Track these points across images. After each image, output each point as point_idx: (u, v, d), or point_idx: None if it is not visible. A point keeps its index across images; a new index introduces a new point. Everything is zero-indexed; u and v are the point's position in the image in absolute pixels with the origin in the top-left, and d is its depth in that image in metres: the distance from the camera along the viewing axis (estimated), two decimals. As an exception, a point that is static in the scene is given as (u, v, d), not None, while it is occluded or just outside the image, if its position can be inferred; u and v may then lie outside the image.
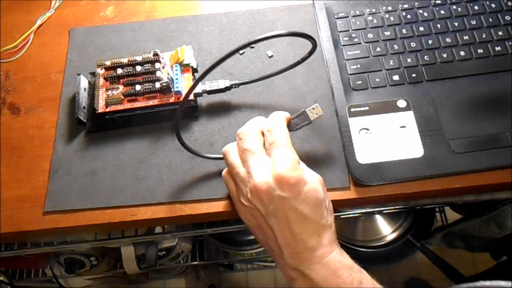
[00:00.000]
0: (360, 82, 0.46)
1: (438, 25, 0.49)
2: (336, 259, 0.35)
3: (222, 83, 0.46)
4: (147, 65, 0.46)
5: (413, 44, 0.48)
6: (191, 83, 0.46)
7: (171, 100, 0.45)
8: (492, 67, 0.46)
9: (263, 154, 0.36)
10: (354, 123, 0.43)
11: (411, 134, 0.43)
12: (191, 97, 0.45)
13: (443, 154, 0.42)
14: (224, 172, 0.40)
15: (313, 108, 0.40)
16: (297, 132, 0.42)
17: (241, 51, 0.50)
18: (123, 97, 0.45)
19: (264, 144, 0.37)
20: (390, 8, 0.51)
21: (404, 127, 0.43)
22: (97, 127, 0.47)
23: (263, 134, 0.38)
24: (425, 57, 0.47)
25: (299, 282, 0.35)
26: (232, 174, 0.38)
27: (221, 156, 0.40)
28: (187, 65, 0.46)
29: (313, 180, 0.36)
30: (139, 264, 0.73)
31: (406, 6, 0.50)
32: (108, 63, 0.46)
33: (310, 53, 0.42)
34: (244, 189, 0.36)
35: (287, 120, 0.39)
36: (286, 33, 0.37)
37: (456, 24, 0.49)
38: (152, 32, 0.53)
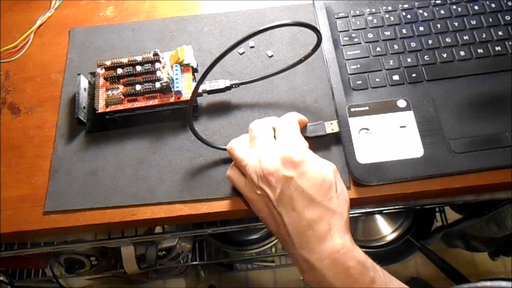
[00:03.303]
0: (360, 82, 0.46)
1: (438, 25, 0.49)
2: (349, 256, 0.33)
3: (222, 83, 0.46)
4: (147, 65, 0.46)
5: (413, 44, 0.48)
6: (191, 83, 0.46)
7: (171, 100, 0.45)
8: (492, 67, 0.46)
9: (272, 141, 0.37)
10: (354, 123, 0.43)
11: (411, 134, 0.43)
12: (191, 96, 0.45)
13: (443, 154, 0.42)
14: (229, 171, 0.40)
15: (331, 123, 0.43)
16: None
17: (241, 51, 0.50)
18: (123, 97, 0.45)
19: (274, 137, 0.38)
20: (390, 8, 0.51)
21: (404, 127, 0.43)
22: (97, 127, 0.47)
23: (274, 130, 0.39)
24: (425, 57, 0.47)
25: (311, 275, 0.35)
26: (241, 167, 0.38)
27: None
28: (187, 65, 0.46)
29: (322, 163, 0.36)
30: (139, 264, 0.73)
31: (406, 6, 0.50)
32: (108, 63, 0.46)
33: (315, 48, 0.42)
34: (254, 177, 0.36)
35: (304, 123, 0.41)
36: (292, 22, 0.38)
37: (456, 24, 0.49)
38: (152, 32, 0.53)
